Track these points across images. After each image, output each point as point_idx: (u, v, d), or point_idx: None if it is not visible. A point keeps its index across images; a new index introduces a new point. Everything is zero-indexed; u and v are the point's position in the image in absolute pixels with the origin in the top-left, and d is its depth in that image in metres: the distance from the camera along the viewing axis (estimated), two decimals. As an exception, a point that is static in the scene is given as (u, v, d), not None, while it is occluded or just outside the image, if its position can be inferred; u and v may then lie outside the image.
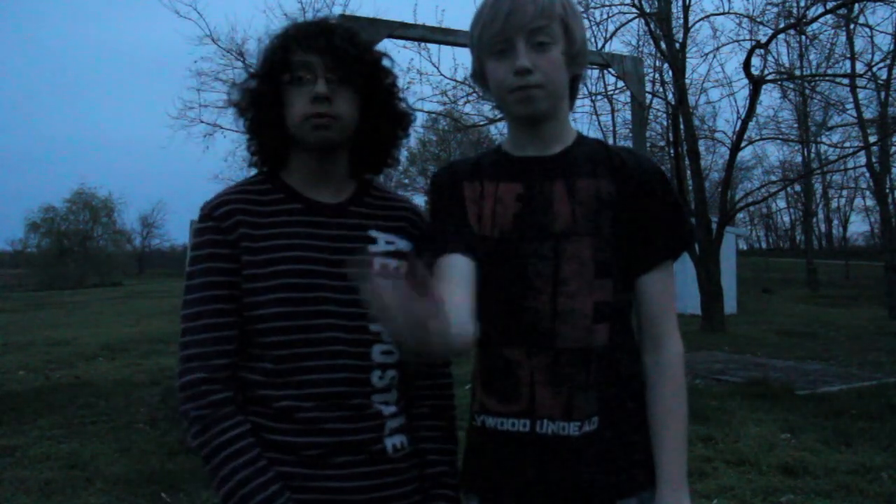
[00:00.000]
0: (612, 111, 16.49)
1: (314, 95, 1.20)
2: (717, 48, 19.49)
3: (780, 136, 18.95)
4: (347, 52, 1.22)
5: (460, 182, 1.31)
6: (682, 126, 12.65)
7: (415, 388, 1.33)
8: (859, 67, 15.09)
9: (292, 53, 1.22)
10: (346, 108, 1.23)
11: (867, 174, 20.20)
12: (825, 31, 14.38)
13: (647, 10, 12.63)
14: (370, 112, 1.27)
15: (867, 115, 16.81)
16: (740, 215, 25.71)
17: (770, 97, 34.23)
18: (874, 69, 13.91)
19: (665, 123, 14.97)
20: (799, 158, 28.17)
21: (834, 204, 39.37)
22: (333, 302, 1.21)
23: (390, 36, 4.83)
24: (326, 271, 1.22)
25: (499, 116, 10.63)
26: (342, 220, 1.28)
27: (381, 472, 1.23)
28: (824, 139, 18.40)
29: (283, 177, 1.30)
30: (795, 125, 21.61)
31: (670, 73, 13.37)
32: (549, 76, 1.20)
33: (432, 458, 1.31)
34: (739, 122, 12.87)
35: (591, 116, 15.91)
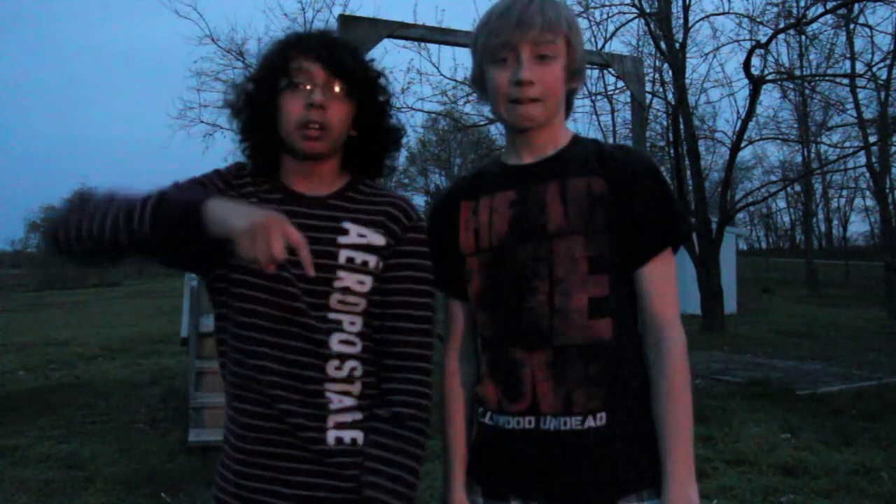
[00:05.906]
0: (612, 111, 16.51)
1: (310, 102, 1.21)
2: (717, 48, 19.61)
3: (780, 136, 18.93)
4: (346, 65, 1.24)
5: (457, 202, 1.36)
6: (682, 126, 12.65)
7: (384, 390, 1.28)
8: (859, 67, 15.10)
9: (292, 60, 1.24)
10: (338, 119, 1.24)
11: (867, 174, 20.19)
12: (825, 31, 14.37)
13: (647, 10, 12.62)
14: (362, 126, 1.30)
15: (867, 115, 16.81)
16: (740, 215, 25.68)
17: (770, 97, 34.35)
18: (874, 69, 13.91)
19: (665, 123, 14.96)
20: (799, 158, 28.08)
21: (834, 204, 39.26)
22: (292, 287, 1.22)
23: (390, 36, 4.82)
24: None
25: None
26: (318, 210, 1.28)
27: (317, 463, 1.22)
28: (824, 139, 18.37)
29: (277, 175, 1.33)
30: (795, 125, 21.55)
31: (670, 73, 13.36)
32: (549, 89, 1.25)
33: (370, 464, 1.22)
34: (739, 122, 12.86)
35: (591, 116, 15.94)
